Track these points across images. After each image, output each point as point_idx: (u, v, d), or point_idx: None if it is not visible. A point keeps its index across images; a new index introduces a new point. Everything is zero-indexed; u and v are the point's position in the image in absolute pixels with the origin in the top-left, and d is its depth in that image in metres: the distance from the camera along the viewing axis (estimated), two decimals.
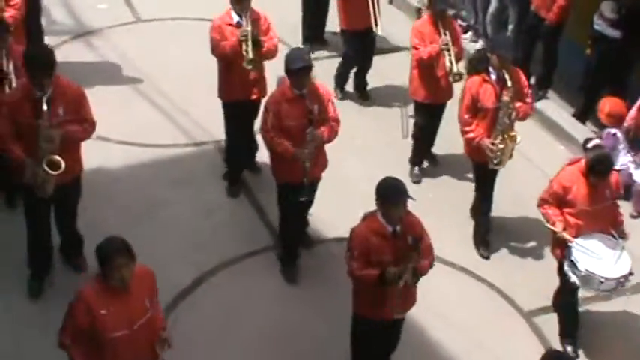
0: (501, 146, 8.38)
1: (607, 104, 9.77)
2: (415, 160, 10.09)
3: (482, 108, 8.46)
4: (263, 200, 9.46)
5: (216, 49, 9.02)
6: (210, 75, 11.14)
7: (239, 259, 8.87)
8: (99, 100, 10.63)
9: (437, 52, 9.28)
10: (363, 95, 11.24)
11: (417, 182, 9.92)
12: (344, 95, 11.16)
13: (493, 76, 8.44)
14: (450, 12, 12.13)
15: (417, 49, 9.39)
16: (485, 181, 8.89)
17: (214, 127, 10.42)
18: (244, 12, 8.88)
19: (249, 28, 8.80)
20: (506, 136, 8.37)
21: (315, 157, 8.11)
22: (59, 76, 7.59)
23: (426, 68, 9.41)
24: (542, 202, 7.80)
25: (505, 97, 8.29)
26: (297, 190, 8.16)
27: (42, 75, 7.37)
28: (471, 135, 8.55)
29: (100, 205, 9.06)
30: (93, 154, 9.74)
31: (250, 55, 8.79)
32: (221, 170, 9.89)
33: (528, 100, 8.66)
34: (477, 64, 8.62)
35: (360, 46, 10.80)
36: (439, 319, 8.27)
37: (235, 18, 8.95)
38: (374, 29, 10.39)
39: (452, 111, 9.37)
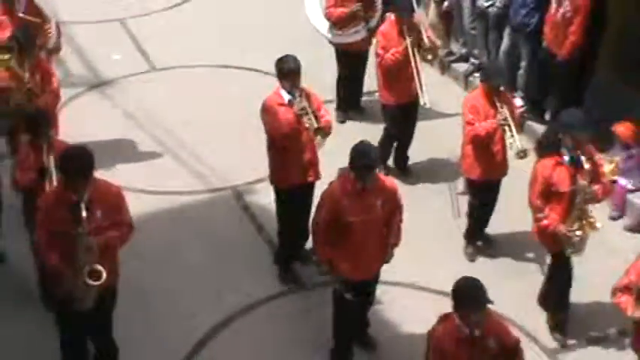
0: (579, 232, 7.84)
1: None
2: (470, 237, 9.49)
3: (557, 192, 7.89)
4: None
5: (273, 131, 8.52)
6: (225, 121, 11.28)
7: (261, 304, 8.84)
8: (116, 149, 10.82)
9: (495, 128, 8.77)
10: (405, 172, 10.61)
11: (472, 260, 9.37)
12: (387, 171, 10.33)
13: (566, 158, 7.85)
14: (462, 50, 12.29)
15: (471, 124, 8.81)
16: (559, 270, 8.26)
17: (230, 173, 10.51)
18: (295, 88, 8.53)
19: (305, 103, 8.46)
20: (584, 222, 7.85)
21: (376, 253, 7.71)
22: (96, 178, 7.11)
23: (481, 144, 8.89)
24: (616, 291, 7.13)
25: (582, 181, 7.75)
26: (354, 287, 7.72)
27: (78, 179, 6.90)
28: (545, 222, 7.94)
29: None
30: None
31: (315, 123, 8.40)
32: (238, 215, 9.92)
33: (605, 180, 8.12)
34: (548, 146, 8.04)
35: (402, 121, 10.31)
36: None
37: (286, 97, 8.52)
38: (420, 102, 9.93)
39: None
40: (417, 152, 10.70)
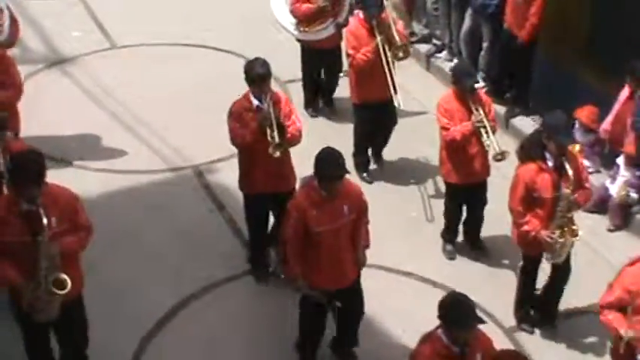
0: (561, 240, 7.68)
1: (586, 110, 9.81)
2: (448, 236, 9.30)
3: (539, 198, 7.69)
4: (241, 222, 9.41)
5: (236, 139, 8.20)
6: (186, 100, 11.22)
7: (219, 284, 8.83)
8: (75, 127, 10.74)
9: (470, 131, 8.55)
10: (379, 168, 10.38)
11: (452, 259, 9.24)
12: (381, 166, 10.32)
13: (550, 164, 7.65)
14: (424, 31, 12.27)
15: (446, 129, 8.59)
16: (533, 274, 8.22)
17: (192, 152, 10.47)
18: (264, 94, 8.14)
19: (271, 111, 8.07)
20: (566, 229, 7.69)
21: (349, 259, 7.49)
22: (47, 183, 6.71)
23: (458, 148, 8.66)
24: (603, 309, 6.90)
25: (566, 190, 7.58)
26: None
27: (31, 186, 6.51)
28: (526, 227, 7.75)
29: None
30: (70, 182, 9.69)
31: (277, 139, 8.03)
32: (199, 195, 9.89)
33: (587, 185, 7.90)
34: (531, 150, 7.78)
35: (376, 121, 10.00)
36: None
37: (255, 102, 8.17)
38: (394, 102, 9.66)
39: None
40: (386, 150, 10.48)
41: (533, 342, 8.33)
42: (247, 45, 12.28)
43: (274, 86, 11.04)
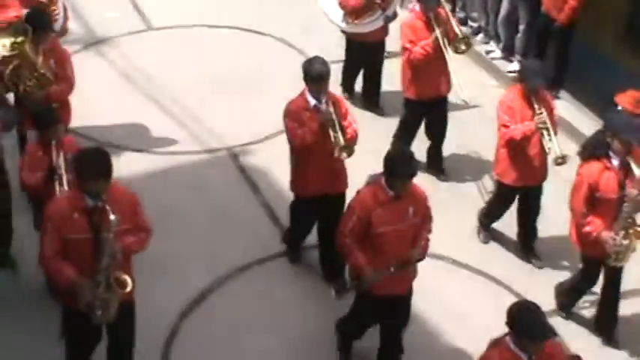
0: (625, 242, 7.45)
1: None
2: (486, 221, 9.14)
3: (603, 199, 7.49)
4: (275, 204, 9.49)
5: (295, 139, 7.94)
6: (221, 82, 11.23)
7: (253, 265, 8.86)
8: (112, 109, 10.79)
9: (532, 131, 8.29)
10: (441, 171, 10.03)
11: (486, 242, 9.16)
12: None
13: (615, 162, 7.45)
14: (460, 14, 12.19)
15: (507, 126, 8.34)
16: (593, 278, 7.98)
17: (227, 134, 10.49)
18: (323, 94, 7.92)
19: (332, 111, 7.85)
20: (631, 231, 7.45)
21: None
22: (111, 182, 6.65)
23: (517, 147, 8.42)
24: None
25: (632, 190, 7.36)
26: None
27: (100, 181, 6.46)
28: (588, 228, 7.54)
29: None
30: None
31: (342, 141, 7.80)
32: (233, 176, 9.95)
33: None
34: (595, 149, 7.57)
35: (431, 118, 9.72)
36: (454, 319, 8.31)
37: (312, 101, 7.93)
38: (461, 97, 9.51)
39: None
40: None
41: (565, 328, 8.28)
42: (285, 28, 12.30)
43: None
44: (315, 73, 7.89)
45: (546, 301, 8.35)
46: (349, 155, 7.94)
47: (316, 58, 8.07)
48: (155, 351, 7.87)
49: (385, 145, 9.50)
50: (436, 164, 10.01)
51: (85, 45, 12.04)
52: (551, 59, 10.93)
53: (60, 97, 8.52)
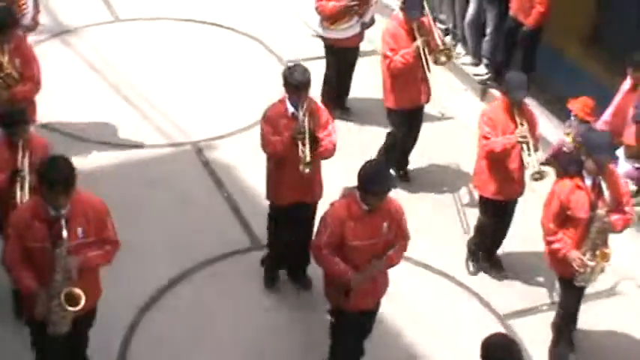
0: (591, 263, 7.34)
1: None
2: (473, 248, 8.95)
3: (573, 218, 7.39)
4: (239, 199, 9.48)
5: (267, 146, 7.87)
6: (186, 76, 11.20)
7: (216, 260, 8.84)
8: (76, 99, 10.72)
9: (513, 145, 8.17)
10: (404, 178, 9.97)
11: (474, 274, 8.92)
12: (397, 181, 9.65)
13: (588, 182, 7.32)
14: (429, 16, 12.17)
15: (487, 138, 8.22)
16: (569, 296, 7.80)
17: (192, 128, 10.47)
18: (302, 103, 7.80)
19: (306, 124, 7.72)
20: (597, 253, 7.35)
21: (374, 280, 7.11)
22: (78, 190, 6.45)
23: (497, 160, 8.31)
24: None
25: (601, 210, 7.28)
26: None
27: (60, 192, 6.26)
28: (556, 245, 7.44)
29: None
30: (69, 154, 9.66)
31: (307, 157, 7.71)
32: (198, 170, 9.91)
33: (628, 209, 7.51)
34: (568, 166, 7.55)
35: (407, 125, 9.65)
36: (415, 321, 8.32)
37: (291, 109, 7.81)
38: (436, 111, 9.43)
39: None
40: (415, 155, 10.11)
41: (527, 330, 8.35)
42: (251, 22, 12.29)
43: (277, 66, 11.16)
44: (294, 82, 7.76)
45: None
46: (309, 171, 7.77)
47: (297, 66, 7.96)
48: (114, 344, 7.84)
49: (361, 153, 9.41)
50: (400, 171, 9.94)
51: (51, 35, 11.95)
52: (518, 64, 11.00)
53: (26, 96, 8.35)
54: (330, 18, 10.11)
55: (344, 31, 10.20)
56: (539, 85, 10.88)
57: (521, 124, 8.16)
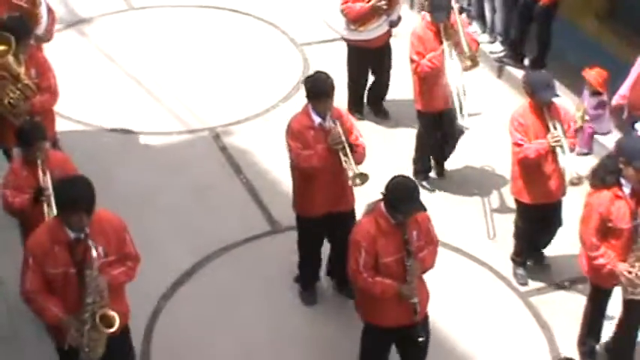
0: None
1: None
2: (519, 260, 8.56)
3: (615, 229, 7.02)
4: (258, 184, 9.48)
5: (302, 164, 7.44)
6: (203, 63, 11.20)
7: (236, 245, 8.85)
8: (93, 88, 10.76)
9: (546, 150, 7.77)
10: (440, 174, 9.70)
11: (523, 284, 8.52)
12: (432, 187, 9.53)
13: (627, 190, 6.98)
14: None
15: (519, 145, 7.81)
16: (603, 304, 7.50)
17: (209, 114, 10.49)
18: (328, 111, 7.41)
19: (341, 132, 7.31)
20: None
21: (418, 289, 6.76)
22: (95, 209, 6.19)
23: (532, 166, 7.90)
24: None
25: None
26: (411, 331, 6.83)
27: (82, 215, 6.01)
28: (601, 261, 7.04)
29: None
30: (87, 142, 9.79)
31: (354, 167, 7.29)
32: (216, 156, 9.92)
33: None
34: (605, 176, 7.06)
35: (442, 128, 9.30)
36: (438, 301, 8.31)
37: (317, 119, 7.43)
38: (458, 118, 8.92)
39: None
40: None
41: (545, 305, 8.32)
42: (267, 7, 12.27)
43: (294, 51, 11.14)
44: (319, 91, 7.41)
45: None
46: (363, 183, 7.40)
47: (320, 73, 7.62)
48: (138, 331, 7.86)
49: (391, 157, 9.58)
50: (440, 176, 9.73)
51: (66, 25, 11.98)
52: (533, 40, 10.94)
53: (44, 107, 8.20)
54: (358, 20, 9.73)
55: (372, 32, 9.86)
56: (556, 62, 10.83)
57: (554, 127, 7.75)
